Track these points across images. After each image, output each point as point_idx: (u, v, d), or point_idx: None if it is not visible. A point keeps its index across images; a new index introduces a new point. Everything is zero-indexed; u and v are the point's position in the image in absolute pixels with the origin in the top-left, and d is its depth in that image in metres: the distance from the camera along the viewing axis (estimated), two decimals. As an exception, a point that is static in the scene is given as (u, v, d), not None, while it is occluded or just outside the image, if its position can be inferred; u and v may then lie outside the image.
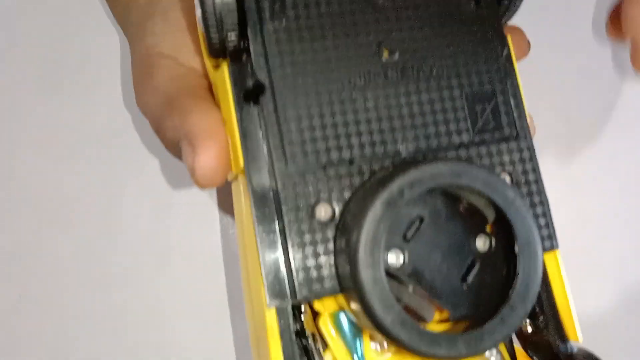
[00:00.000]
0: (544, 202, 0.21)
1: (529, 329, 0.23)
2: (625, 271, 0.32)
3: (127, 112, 0.30)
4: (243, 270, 0.23)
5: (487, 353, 0.23)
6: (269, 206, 0.20)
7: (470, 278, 0.19)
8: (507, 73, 0.21)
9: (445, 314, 0.20)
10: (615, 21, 0.28)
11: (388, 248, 0.19)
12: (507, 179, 0.21)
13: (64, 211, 0.29)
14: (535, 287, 0.19)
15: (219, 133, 0.21)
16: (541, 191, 0.21)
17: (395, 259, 0.19)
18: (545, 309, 0.22)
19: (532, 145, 0.21)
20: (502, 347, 0.23)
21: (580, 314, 0.22)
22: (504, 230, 0.19)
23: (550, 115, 0.33)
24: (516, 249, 0.18)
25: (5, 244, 0.29)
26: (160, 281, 0.30)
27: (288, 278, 0.19)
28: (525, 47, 0.25)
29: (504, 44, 0.22)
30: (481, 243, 0.19)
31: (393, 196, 0.18)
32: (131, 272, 0.29)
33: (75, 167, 0.30)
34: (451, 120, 0.21)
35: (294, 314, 0.21)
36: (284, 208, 0.19)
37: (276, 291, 0.19)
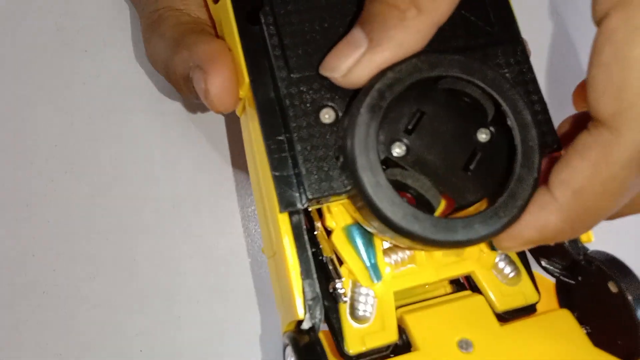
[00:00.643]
0: (541, 100, 0.22)
1: (541, 238, 0.23)
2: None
3: (138, 67, 0.32)
4: (258, 203, 0.23)
5: (500, 263, 0.23)
6: (275, 117, 0.21)
7: (472, 166, 0.20)
8: None
9: (448, 208, 0.20)
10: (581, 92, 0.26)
11: (392, 141, 0.19)
12: None
13: (77, 160, 0.30)
14: (536, 155, 0.19)
15: (226, 56, 0.22)
16: (537, 90, 0.22)
17: (399, 149, 0.19)
18: None
19: (525, 49, 0.22)
20: (517, 260, 0.24)
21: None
22: (503, 120, 0.20)
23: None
24: (509, 121, 0.19)
25: (22, 191, 0.30)
26: (174, 236, 0.30)
27: (298, 182, 0.20)
28: None
29: None
30: (483, 135, 0.20)
31: (375, 100, 0.19)
32: (140, 218, 0.30)
33: (87, 118, 0.31)
34: (446, 26, 0.21)
35: (308, 234, 0.21)
36: (290, 113, 0.20)
37: (287, 196, 0.20)
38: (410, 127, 0.20)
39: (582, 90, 0.23)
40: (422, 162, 0.19)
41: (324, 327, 0.22)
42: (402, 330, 0.22)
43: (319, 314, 0.20)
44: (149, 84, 0.31)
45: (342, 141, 0.19)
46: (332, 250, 0.22)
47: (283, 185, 0.20)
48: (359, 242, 0.22)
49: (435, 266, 0.23)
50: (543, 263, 0.24)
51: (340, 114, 0.20)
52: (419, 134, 0.20)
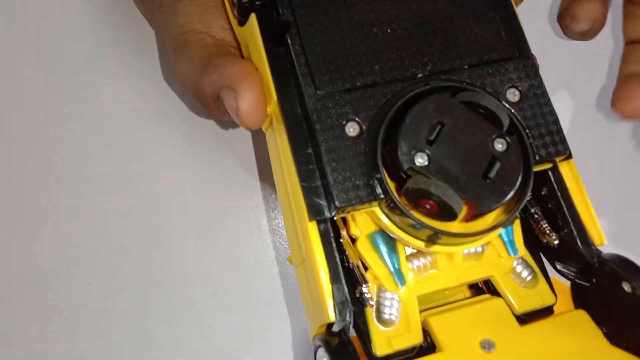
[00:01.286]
0: (552, 112, 0.23)
1: (556, 242, 0.24)
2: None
3: (166, 87, 0.33)
4: (286, 214, 0.24)
5: (517, 267, 0.24)
6: (302, 131, 0.22)
7: (492, 174, 0.21)
8: (505, 2, 0.24)
9: (469, 214, 0.21)
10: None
11: (414, 151, 0.21)
12: (517, 92, 0.23)
13: (110, 178, 0.32)
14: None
15: (254, 75, 0.23)
16: (548, 102, 0.23)
17: (421, 159, 0.21)
18: (569, 217, 0.24)
19: (535, 64, 0.23)
20: (533, 264, 0.25)
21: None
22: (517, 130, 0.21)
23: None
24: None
25: (57, 209, 0.31)
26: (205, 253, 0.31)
27: (325, 192, 0.21)
28: None
29: None
30: (499, 145, 0.21)
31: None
32: (171, 233, 0.32)
33: (119, 138, 0.32)
34: (460, 44, 0.23)
35: (335, 240, 0.22)
36: (317, 127, 0.21)
37: (315, 205, 0.21)
38: (431, 138, 0.21)
39: None
40: (444, 171, 0.21)
41: (351, 333, 0.23)
42: (426, 332, 0.23)
43: (348, 316, 0.21)
44: (176, 104, 0.33)
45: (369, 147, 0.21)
46: (357, 257, 0.23)
47: (311, 195, 0.22)
48: (383, 248, 0.23)
49: (456, 271, 0.24)
50: (558, 267, 0.25)
51: (364, 127, 0.22)
52: (439, 144, 0.21)
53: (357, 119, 0.22)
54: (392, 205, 0.21)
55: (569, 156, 0.23)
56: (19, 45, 0.33)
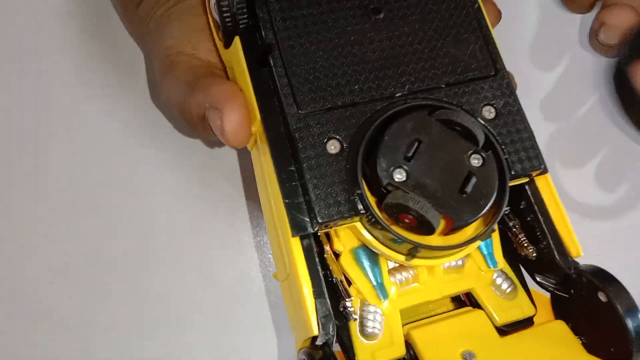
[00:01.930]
0: (527, 128, 0.24)
1: (534, 255, 0.25)
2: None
3: (151, 104, 0.34)
4: (270, 230, 0.25)
5: (497, 279, 0.25)
6: (284, 149, 0.23)
7: (468, 189, 0.21)
8: (480, 24, 0.25)
9: (447, 227, 0.22)
10: None
11: (393, 167, 0.21)
12: (492, 110, 0.24)
13: (94, 192, 0.32)
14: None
15: (239, 96, 0.24)
16: (523, 119, 0.24)
17: (399, 175, 0.21)
18: (546, 230, 0.24)
19: (510, 82, 0.24)
20: (513, 276, 0.25)
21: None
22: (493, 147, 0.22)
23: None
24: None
25: (41, 223, 0.32)
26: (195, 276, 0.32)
27: (308, 208, 0.22)
28: (496, 14, 0.29)
29: (474, 1, 0.25)
30: (475, 160, 0.22)
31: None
32: (154, 248, 0.32)
33: (104, 152, 0.33)
34: (437, 64, 0.24)
35: (319, 255, 0.23)
36: (299, 145, 0.22)
37: (298, 221, 0.22)
38: (409, 154, 0.21)
39: None
40: (422, 186, 0.21)
41: (335, 347, 0.23)
42: (409, 345, 0.23)
43: (331, 330, 0.22)
44: (163, 121, 0.34)
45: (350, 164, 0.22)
46: (340, 271, 0.24)
47: (294, 211, 0.22)
48: (366, 263, 0.24)
49: (438, 284, 0.24)
50: (538, 278, 0.26)
51: (345, 145, 0.22)
52: (417, 161, 0.21)
53: (338, 137, 0.22)
54: (372, 220, 0.22)
55: (545, 170, 0.24)
56: (6, 59, 0.34)
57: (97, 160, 0.33)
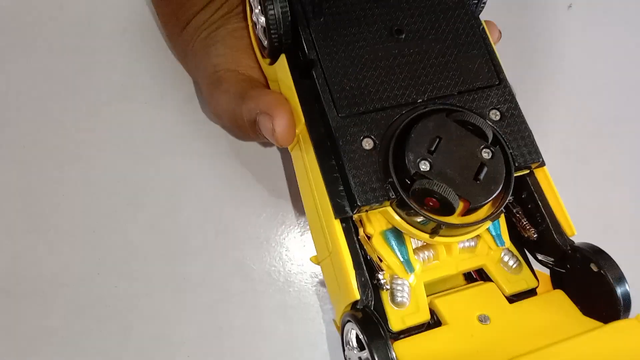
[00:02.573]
0: (527, 128, 0.28)
1: (535, 236, 0.29)
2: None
3: (190, 115, 0.39)
4: (312, 218, 0.29)
5: (505, 257, 0.29)
6: (326, 147, 0.27)
7: (481, 176, 0.26)
8: (485, 42, 0.29)
9: (464, 208, 0.26)
10: None
11: (419, 159, 0.26)
12: (498, 113, 0.28)
13: (139, 194, 0.37)
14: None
15: (286, 104, 0.28)
16: (523, 120, 0.28)
17: (424, 166, 0.26)
18: (545, 214, 0.29)
19: (511, 90, 0.29)
20: (518, 254, 0.30)
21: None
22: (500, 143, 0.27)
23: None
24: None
25: (90, 219, 0.36)
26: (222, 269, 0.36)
27: (348, 195, 0.26)
28: (497, 34, 0.34)
29: (479, 23, 0.30)
30: (485, 154, 0.26)
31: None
32: (190, 243, 0.37)
33: (148, 159, 0.37)
34: (450, 75, 0.28)
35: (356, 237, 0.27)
36: (340, 143, 0.26)
37: (340, 206, 0.26)
38: (432, 149, 0.26)
39: None
40: (443, 174, 0.26)
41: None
42: (432, 311, 0.27)
43: (370, 296, 0.26)
44: (200, 130, 0.38)
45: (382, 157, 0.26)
46: (373, 250, 0.28)
47: (336, 198, 0.26)
48: (394, 243, 0.28)
49: (455, 261, 0.28)
50: (539, 257, 0.30)
51: (377, 142, 0.27)
52: (439, 154, 0.26)
53: (371, 136, 0.27)
54: (402, 203, 0.26)
55: (542, 163, 0.29)
56: (62, 77, 0.38)
57: (140, 164, 0.37)
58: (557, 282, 0.30)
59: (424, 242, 0.28)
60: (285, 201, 0.38)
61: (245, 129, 0.31)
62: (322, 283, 0.37)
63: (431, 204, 0.26)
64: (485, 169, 0.26)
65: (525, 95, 0.30)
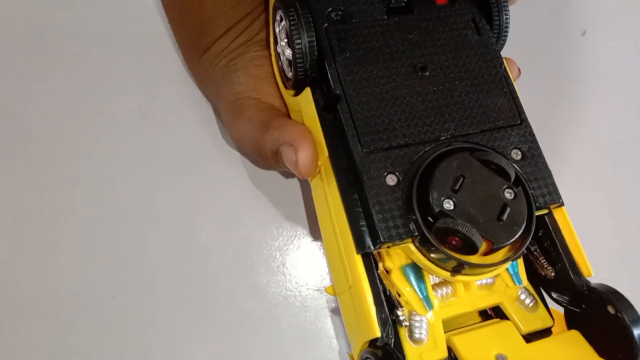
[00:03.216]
0: (547, 168, 0.29)
1: (552, 275, 0.29)
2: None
3: (207, 138, 0.39)
4: (331, 250, 0.29)
5: (521, 295, 0.29)
6: (348, 181, 0.27)
7: (504, 217, 0.26)
8: (507, 81, 0.30)
9: (487, 248, 0.27)
10: None
11: (443, 198, 0.26)
12: (519, 153, 0.29)
13: (157, 216, 0.37)
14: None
15: (309, 136, 0.29)
16: (543, 161, 0.29)
17: (448, 205, 0.26)
18: (562, 254, 0.29)
19: (532, 130, 0.29)
20: (534, 293, 0.30)
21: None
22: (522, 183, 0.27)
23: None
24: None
25: (108, 241, 0.36)
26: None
27: (370, 231, 0.26)
28: (516, 71, 0.34)
29: (501, 61, 0.30)
30: (507, 194, 0.27)
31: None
32: (207, 266, 0.37)
33: (166, 181, 0.38)
34: (473, 113, 0.29)
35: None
36: (364, 178, 0.26)
37: (361, 241, 0.26)
38: (456, 187, 0.26)
39: None
40: (467, 214, 0.26)
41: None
42: (450, 349, 0.27)
43: (390, 333, 0.26)
44: (217, 153, 0.38)
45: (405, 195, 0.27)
46: (392, 285, 0.28)
47: (358, 232, 0.27)
48: (413, 278, 0.28)
49: (472, 298, 0.29)
50: (554, 295, 0.30)
51: (400, 179, 0.27)
52: (462, 193, 0.26)
53: (395, 172, 0.27)
54: (425, 241, 0.26)
55: (562, 204, 0.29)
56: (81, 98, 0.39)
57: (159, 186, 0.37)
58: (571, 321, 0.30)
59: (444, 279, 0.28)
60: (302, 225, 0.38)
61: (267, 158, 0.31)
62: (337, 309, 0.37)
63: (454, 242, 0.26)
64: (508, 210, 0.26)
65: (540, 122, 0.30)
